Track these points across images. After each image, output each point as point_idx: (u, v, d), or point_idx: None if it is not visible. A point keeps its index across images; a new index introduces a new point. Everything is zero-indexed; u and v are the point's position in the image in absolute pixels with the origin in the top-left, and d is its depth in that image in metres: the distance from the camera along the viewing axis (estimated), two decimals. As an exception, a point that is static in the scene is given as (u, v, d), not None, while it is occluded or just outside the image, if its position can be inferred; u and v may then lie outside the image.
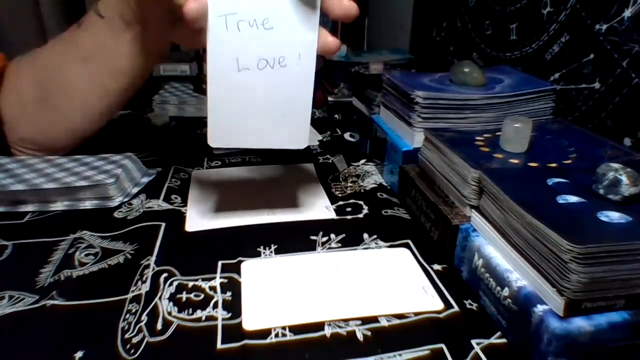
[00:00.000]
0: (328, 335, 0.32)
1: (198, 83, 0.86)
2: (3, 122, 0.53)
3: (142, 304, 0.35)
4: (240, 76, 0.37)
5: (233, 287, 0.37)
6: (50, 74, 0.52)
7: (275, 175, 0.57)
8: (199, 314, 0.34)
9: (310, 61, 0.38)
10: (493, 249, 0.35)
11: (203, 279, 0.38)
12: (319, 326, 0.33)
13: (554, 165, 0.40)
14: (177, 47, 1.15)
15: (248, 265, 0.39)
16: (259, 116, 0.39)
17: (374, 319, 0.34)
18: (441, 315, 0.34)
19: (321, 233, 0.44)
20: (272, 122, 0.39)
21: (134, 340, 0.32)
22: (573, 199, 0.33)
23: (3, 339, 0.32)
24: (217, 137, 0.38)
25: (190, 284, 0.37)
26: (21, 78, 0.53)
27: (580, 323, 0.28)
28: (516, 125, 0.42)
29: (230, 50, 0.36)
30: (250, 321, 0.33)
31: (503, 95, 0.50)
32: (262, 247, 0.42)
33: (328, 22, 0.43)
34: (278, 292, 0.36)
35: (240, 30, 0.36)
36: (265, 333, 0.32)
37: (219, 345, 0.31)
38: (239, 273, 0.38)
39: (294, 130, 0.40)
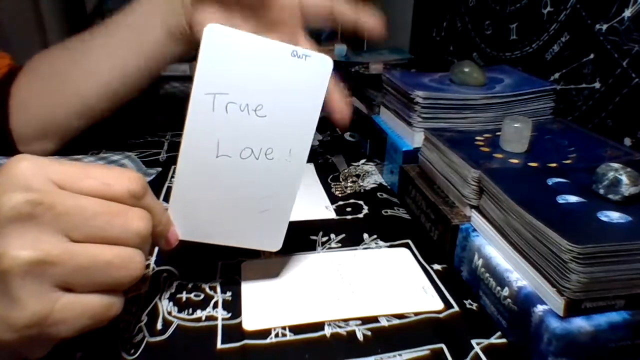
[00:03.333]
0: (328, 335, 0.32)
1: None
2: (10, 114, 0.53)
3: (142, 304, 0.35)
4: (217, 163, 0.32)
5: (233, 287, 0.37)
6: (72, 54, 0.53)
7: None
8: (199, 314, 0.34)
9: (301, 158, 0.34)
10: (493, 249, 0.35)
11: (203, 279, 0.38)
12: (319, 326, 0.33)
13: (554, 165, 0.40)
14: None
15: (248, 266, 0.39)
16: (232, 210, 0.34)
17: (374, 319, 0.34)
18: (441, 315, 0.34)
19: (321, 233, 0.44)
20: (247, 219, 0.34)
21: (134, 340, 0.32)
22: (573, 199, 0.33)
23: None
24: (181, 229, 0.33)
25: (190, 284, 0.37)
26: (43, 63, 0.54)
27: (580, 323, 0.28)
28: (516, 125, 0.42)
29: (213, 132, 0.32)
30: (250, 321, 0.33)
31: (503, 95, 0.50)
32: (262, 247, 0.42)
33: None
34: (278, 292, 0.36)
35: (228, 113, 0.31)
36: (265, 333, 0.32)
37: (219, 345, 0.31)
38: (239, 273, 0.38)
39: (270, 231, 0.35)
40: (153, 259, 0.40)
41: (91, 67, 0.53)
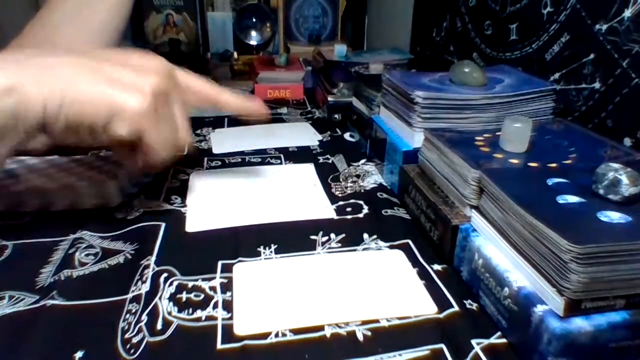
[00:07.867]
0: (328, 335, 0.32)
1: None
2: None
3: (142, 304, 0.35)
4: None
5: (233, 287, 0.37)
6: (46, 31, 0.56)
7: (275, 175, 0.57)
8: (199, 314, 0.34)
9: None
10: (493, 249, 0.35)
11: (203, 279, 0.38)
12: (319, 326, 0.33)
13: (554, 165, 0.40)
14: (178, 43, 1.15)
15: (246, 266, 0.39)
16: None
17: (374, 319, 0.34)
18: (441, 315, 0.34)
19: (321, 233, 0.44)
20: None
21: (134, 340, 0.32)
22: (573, 199, 0.33)
23: (3, 339, 0.32)
24: None
25: (190, 284, 0.37)
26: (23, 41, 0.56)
27: (580, 323, 0.28)
28: (516, 125, 0.42)
29: None
30: (244, 325, 0.33)
31: (503, 95, 0.50)
32: (262, 247, 0.42)
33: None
34: (277, 292, 0.36)
35: None
36: (265, 333, 0.32)
37: (219, 345, 0.31)
38: (239, 273, 0.38)
39: None
40: (153, 258, 0.40)
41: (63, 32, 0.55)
